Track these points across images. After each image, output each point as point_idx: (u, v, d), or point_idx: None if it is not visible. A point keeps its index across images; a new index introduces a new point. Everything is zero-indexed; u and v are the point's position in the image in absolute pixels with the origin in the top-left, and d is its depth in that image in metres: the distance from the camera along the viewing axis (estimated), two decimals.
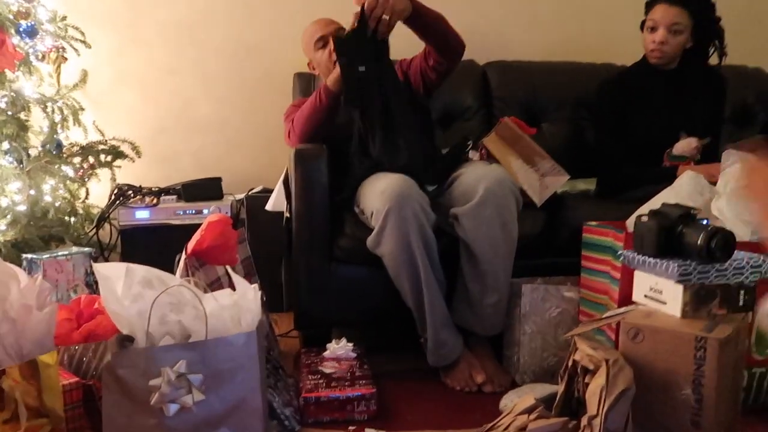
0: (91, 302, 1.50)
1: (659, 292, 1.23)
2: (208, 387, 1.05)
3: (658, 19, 1.93)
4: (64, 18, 2.16)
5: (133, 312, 1.10)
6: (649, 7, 1.98)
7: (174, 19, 2.41)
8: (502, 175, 1.62)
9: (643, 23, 2.02)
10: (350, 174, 1.78)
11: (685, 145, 1.94)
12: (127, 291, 1.11)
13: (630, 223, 1.55)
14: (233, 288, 1.21)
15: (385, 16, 1.59)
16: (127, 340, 1.10)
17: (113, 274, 1.10)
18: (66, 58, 2.18)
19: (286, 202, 1.95)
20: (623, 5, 2.45)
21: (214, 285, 1.58)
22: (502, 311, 1.64)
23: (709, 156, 1.99)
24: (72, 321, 1.41)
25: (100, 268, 1.09)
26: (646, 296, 1.27)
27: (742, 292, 1.22)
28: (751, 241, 1.40)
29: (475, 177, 1.62)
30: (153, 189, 2.21)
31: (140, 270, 1.13)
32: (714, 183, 1.64)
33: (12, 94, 1.92)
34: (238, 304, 1.15)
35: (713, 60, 2.05)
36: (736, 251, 1.21)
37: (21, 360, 1.10)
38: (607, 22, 2.57)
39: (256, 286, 1.17)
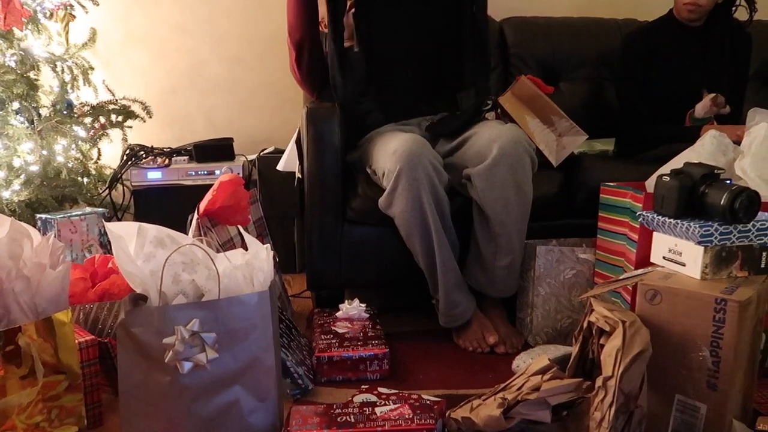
0: (105, 262, 1.51)
1: (678, 253, 1.20)
2: (222, 346, 1.05)
3: None
4: None
5: (146, 271, 1.10)
6: None
7: None
8: (517, 135, 1.58)
9: None
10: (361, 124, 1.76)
11: (706, 106, 1.87)
12: (140, 250, 1.11)
13: (649, 184, 1.51)
14: (245, 248, 1.20)
15: None
16: (140, 299, 1.10)
17: (125, 233, 1.09)
18: (74, 16, 2.15)
19: (298, 163, 1.93)
20: None
21: (226, 245, 1.58)
22: (515, 273, 1.63)
23: (733, 114, 1.93)
24: (86, 280, 1.42)
25: (112, 227, 1.08)
26: (664, 258, 1.24)
27: (764, 254, 1.19)
28: None
29: (488, 137, 1.58)
30: (165, 150, 2.19)
31: (152, 229, 1.12)
32: (738, 142, 1.59)
33: (21, 52, 1.90)
34: (250, 264, 1.14)
35: (742, 15, 1.97)
36: (760, 212, 1.17)
37: (36, 317, 1.11)
38: None
39: (268, 246, 1.16)
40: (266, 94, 2.44)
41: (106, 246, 1.89)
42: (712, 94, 1.86)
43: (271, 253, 1.16)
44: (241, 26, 2.42)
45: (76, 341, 1.16)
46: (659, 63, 1.94)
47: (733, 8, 1.95)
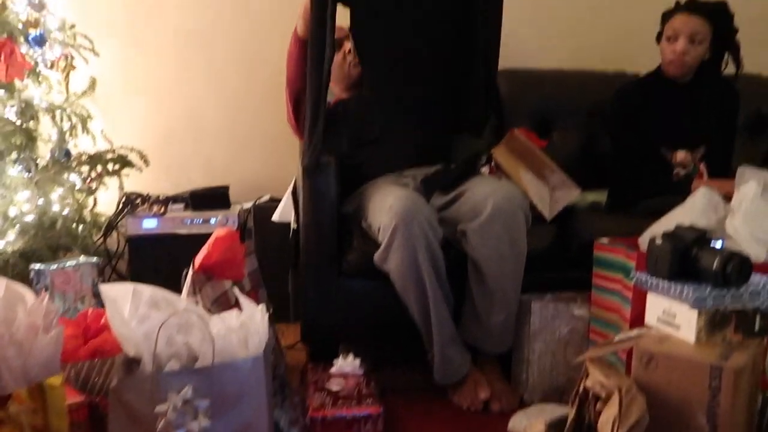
0: (98, 317, 1.50)
1: (673, 316, 1.21)
2: (215, 412, 1.04)
3: (678, 28, 1.89)
4: (72, 26, 2.15)
5: (140, 334, 1.09)
6: (667, 17, 1.94)
7: (183, 27, 2.41)
8: (511, 191, 1.60)
9: (659, 35, 1.98)
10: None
11: (682, 158, 1.91)
12: (134, 312, 1.10)
13: (642, 240, 1.52)
14: (239, 305, 1.20)
15: None
16: (133, 363, 1.09)
17: (120, 296, 1.09)
18: (75, 66, 2.17)
19: (293, 213, 1.94)
20: (636, 14, 2.42)
21: (220, 299, 1.57)
22: (511, 328, 1.62)
23: (722, 168, 1.97)
24: (78, 337, 1.40)
25: (107, 290, 1.08)
26: (659, 319, 1.25)
27: (758, 316, 1.20)
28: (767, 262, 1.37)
29: (483, 192, 1.60)
30: (161, 197, 2.20)
31: (147, 290, 1.12)
32: (729, 198, 1.61)
33: (22, 104, 1.92)
34: (245, 326, 1.14)
35: (729, 69, 2.02)
36: (752, 275, 1.19)
37: (27, 383, 1.10)
38: (619, 31, 2.53)
39: (263, 307, 1.16)
40: (263, 141, 2.47)
41: (99, 296, 1.87)
42: (678, 156, 1.91)
43: (266, 315, 1.16)
44: (239, 74, 2.46)
45: (66, 403, 1.14)
46: (650, 117, 1.98)
47: (721, 65, 2.00)
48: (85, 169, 2.12)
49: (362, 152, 1.87)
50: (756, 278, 1.21)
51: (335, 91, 2.03)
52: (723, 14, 1.90)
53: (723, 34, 1.92)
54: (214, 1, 2.40)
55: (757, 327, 1.20)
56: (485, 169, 1.84)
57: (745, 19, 1.98)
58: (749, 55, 2.00)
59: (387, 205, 1.57)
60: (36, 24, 1.97)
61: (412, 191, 1.63)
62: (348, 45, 1.90)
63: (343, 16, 2.00)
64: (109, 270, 2.18)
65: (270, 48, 2.43)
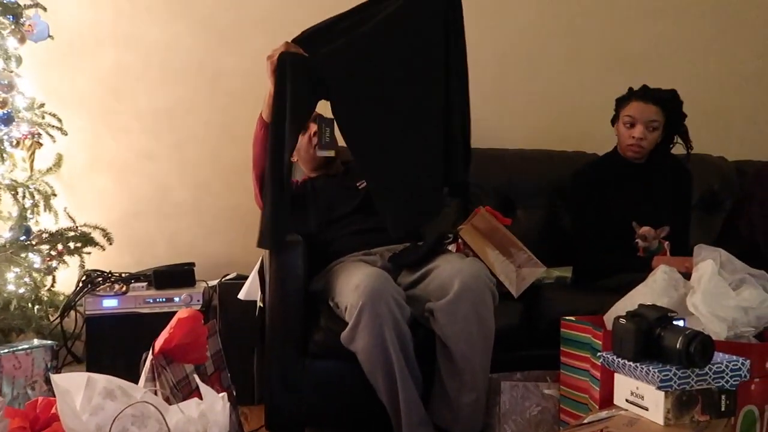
0: (48, 406, 1.41)
1: (641, 397, 1.21)
2: None
3: (636, 115, 2.01)
4: (42, 105, 2.17)
5: (92, 426, 1.04)
6: (623, 103, 2.06)
7: (152, 106, 2.44)
8: (477, 269, 1.62)
9: (614, 118, 2.09)
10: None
11: (645, 232, 1.98)
12: (87, 403, 1.05)
13: (607, 319, 1.54)
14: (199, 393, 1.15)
15: None
16: None
17: (73, 386, 1.05)
18: (41, 144, 2.17)
19: (259, 292, 1.91)
20: (592, 98, 2.56)
21: (182, 383, 1.51)
22: (481, 409, 1.59)
23: (680, 244, 2.03)
24: (26, 430, 1.32)
25: (59, 380, 1.03)
26: (627, 400, 1.24)
27: (723, 396, 1.20)
28: (729, 340, 1.40)
29: (450, 271, 1.61)
30: (123, 275, 2.14)
31: (101, 380, 1.08)
32: (688, 275, 1.65)
33: None
34: (205, 416, 1.09)
35: (678, 150, 2.13)
36: (715, 354, 1.20)
37: None
38: (577, 114, 2.66)
39: (224, 395, 1.12)
40: (230, 219, 2.46)
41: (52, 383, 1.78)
42: (641, 228, 1.98)
43: (228, 404, 1.11)
44: (207, 152, 2.47)
45: None
46: (609, 196, 2.06)
47: (671, 146, 2.11)
48: (45, 247, 2.06)
49: (330, 230, 1.88)
50: (719, 357, 1.23)
51: (304, 170, 2.06)
52: (674, 102, 2.03)
53: (674, 120, 2.04)
54: (183, 80, 2.45)
55: (723, 407, 1.20)
56: (452, 247, 1.86)
57: (693, 104, 2.11)
58: (697, 137, 2.12)
59: (354, 283, 1.56)
60: (4, 104, 1.97)
61: (379, 270, 1.62)
62: (313, 127, 1.92)
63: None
64: (65, 352, 2.08)
65: (237, 126, 2.47)
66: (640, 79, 2.09)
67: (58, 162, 2.26)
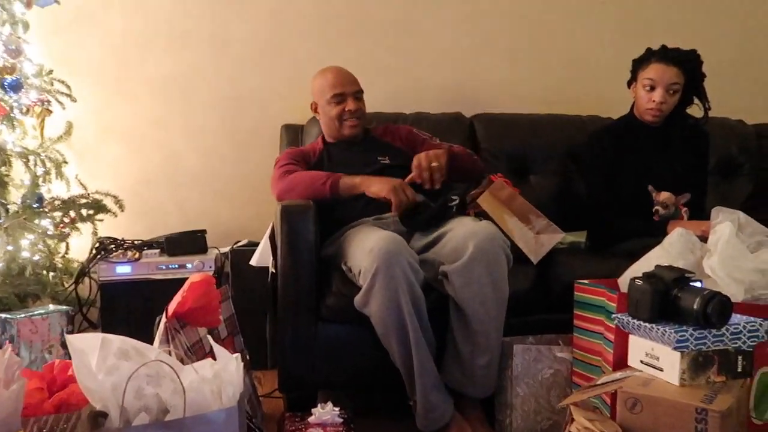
0: (65, 368, 1.43)
1: (656, 358, 1.20)
2: None
3: (656, 78, 1.94)
4: (50, 72, 2.15)
5: (108, 386, 1.04)
6: (642, 65, 1.98)
7: (162, 72, 2.41)
8: (492, 232, 1.60)
9: (631, 80, 2.04)
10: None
11: (666, 199, 1.94)
12: (102, 363, 1.06)
13: (622, 282, 1.52)
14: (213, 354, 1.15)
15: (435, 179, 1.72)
16: (100, 416, 1.04)
17: (88, 347, 1.05)
18: (51, 111, 2.16)
19: (271, 258, 1.91)
20: (607, 60, 2.50)
21: (195, 347, 1.53)
22: (494, 372, 1.59)
23: (696, 209, 2.00)
24: (43, 390, 1.33)
25: (74, 340, 1.04)
26: (642, 362, 1.23)
27: (740, 357, 1.19)
28: (746, 302, 1.38)
29: (464, 234, 1.60)
30: (135, 242, 2.16)
31: (116, 341, 1.08)
32: (705, 239, 1.63)
33: None
34: (219, 376, 1.09)
35: (695, 111, 2.07)
36: (732, 315, 1.19)
37: None
38: (591, 76, 2.60)
39: (238, 356, 1.12)
40: (241, 186, 2.45)
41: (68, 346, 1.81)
42: (661, 195, 1.94)
43: (241, 364, 1.12)
44: (216, 119, 2.46)
45: None
46: (624, 160, 2.02)
47: (688, 106, 2.06)
48: (57, 214, 2.07)
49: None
50: (736, 318, 1.21)
51: (324, 131, 2.04)
52: (694, 62, 1.96)
53: (694, 82, 1.98)
54: (193, 46, 2.42)
55: (739, 368, 1.19)
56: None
57: (713, 65, 2.05)
58: (717, 100, 2.06)
59: (368, 247, 1.55)
60: (12, 70, 1.96)
61: (393, 233, 1.61)
62: (351, 103, 1.92)
63: (322, 63, 2.05)
64: (80, 318, 2.11)
65: (247, 92, 2.45)
66: (656, 38, 2.02)
67: (69, 130, 2.25)
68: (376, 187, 1.72)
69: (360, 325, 1.61)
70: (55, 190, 2.16)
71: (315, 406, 1.59)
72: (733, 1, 2.71)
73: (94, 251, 2.12)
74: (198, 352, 1.52)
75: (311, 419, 1.56)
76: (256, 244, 2.05)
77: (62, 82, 2.18)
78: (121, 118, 2.40)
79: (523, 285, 1.75)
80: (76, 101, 2.20)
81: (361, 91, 1.97)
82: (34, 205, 2.02)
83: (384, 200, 1.71)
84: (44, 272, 2.06)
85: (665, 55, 1.95)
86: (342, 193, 1.76)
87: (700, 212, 1.98)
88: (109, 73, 2.39)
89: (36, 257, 2.02)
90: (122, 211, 2.20)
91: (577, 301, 1.61)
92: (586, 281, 1.60)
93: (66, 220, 2.08)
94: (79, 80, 2.26)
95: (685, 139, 2.06)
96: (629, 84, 2.06)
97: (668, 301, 1.19)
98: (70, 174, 2.20)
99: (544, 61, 2.61)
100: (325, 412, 1.56)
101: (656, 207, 1.93)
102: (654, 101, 1.95)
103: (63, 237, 2.09)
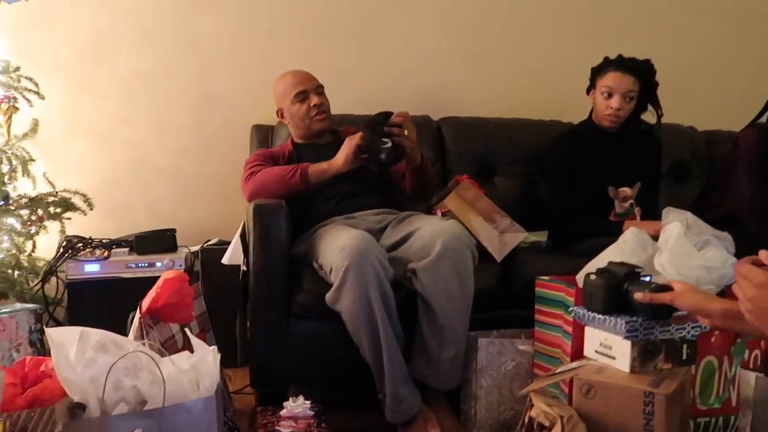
0: (37, 364, 1.44)
1: (609, 347, 1.28)
2: None
3: (613, 86, 2.05)
4: (17, 69, 2.13)
5: (86, 378, 1.07)
6: (599, 73, 2.10)
7: (130, 70, 2.41)
8: (458, 231, 1.67)
9: (590, 87, 2.14)
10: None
11: (626, 193, 2.06)
12: (81, 356, 1.08)
13: (580, 278, 1.61)
14: (188, 345, 1.19)
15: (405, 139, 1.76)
16: (78, 408, 1.06)
17: (67, 340, 1.07)
18: (17, 108, 2.14)
19: (242, 256, 1.94)
20: (567, 68, 2.60)
21: (167, 343, 1.55)
22: (460, 365, 1.66)
23: (649, 210, 2.11)
24: (16, 385, 1.35)
25: (53, 334, 1.06)
26: (596, 351, 1.32)
27: (684, 346, 1.28)
28: None
29: (432, 232, 1.66)
30: (104, 241, 2.15)
31: (95, 334, 1.10)
32: (656, 238, 1.73)
33: None
34: (196, 368, 1.13)
35: (649, 118, 2.19)
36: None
37: None
38: (553, 83, 2.70)
39: (214, 348, 1.16)
40: (211, 184, 2.46)
41: (35, 344, 1.80)
42: (636, 187, 2.07)
43: (218, 356, 1.15)
44: (187, 118, 2.46)
45: None
46: (584, 164, 2.12)
47: (642, 112, 2.18)
48: (24, 212, 2.05)
49: (314, 195, 1.91)
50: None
51: (291, 133, 2.08)
52: (649, 72, 2.08)
53: (648, 90, 2.10)
54: (162, 43, 2.42)
55: (684, 356, 1.29)
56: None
57: (664, 74, 2.17)
58: (668, 107, 2.18)
59: (339, 245, 1.60)
60: None
61: (364, 232, 1.67)
62: (315, 99, 1.97)
63: (289, 64, 2.10)
64: (47, 317, 2.09)
65: (216, 90, 2.47)
66: (613, 48, 2.13)
67: (35, 127, 2.23)
68: (340, 157, 1.79)
69: (330, 320, 1.65)
70: (21, 187, 2.13)
71: (286, 400, 1.63)
72: (685, 14, 2.86)
73: (61, 250, 2.10)
74: (170, 348, 1.54)
75: (283, 413, 1.60)
76: (227, 243, 2.07)
77: (29, 79, 2.16)
78: (89, 116, 2.39)
79: (488, 282, 1.82)
80: (44, 98, 2.18)
81: (322, 87, 2.03)
82: (0, 203, 2.00)
83: (355, 157, 1.77)
84: (9, 271, 2.04)
85: (622, 64, 2.06)
86: (313, 180, 1.81)
87: (653, 213, 2.10)
88: (77, 71, 2.37)
89: (1, 256, 2.00)
90: (91, 209, 2.18)
91: (538, 296, 1.69)
92: (546, 277, 1.69)
93: (33, 218, 2.06)
94: (45, 77, 2.24)
95: (639, 144, 2.18)
96: (588, 91, 2.16)
97: (620, 294, 1.28)
98: (36, 172, 2.18)
99: (509, 67, 2.71)
100: (297, 406, 1.61)
101: (620, 203, 2.05)
102: (611, 107, 2.06)
103: (30, 235, 2.07)
